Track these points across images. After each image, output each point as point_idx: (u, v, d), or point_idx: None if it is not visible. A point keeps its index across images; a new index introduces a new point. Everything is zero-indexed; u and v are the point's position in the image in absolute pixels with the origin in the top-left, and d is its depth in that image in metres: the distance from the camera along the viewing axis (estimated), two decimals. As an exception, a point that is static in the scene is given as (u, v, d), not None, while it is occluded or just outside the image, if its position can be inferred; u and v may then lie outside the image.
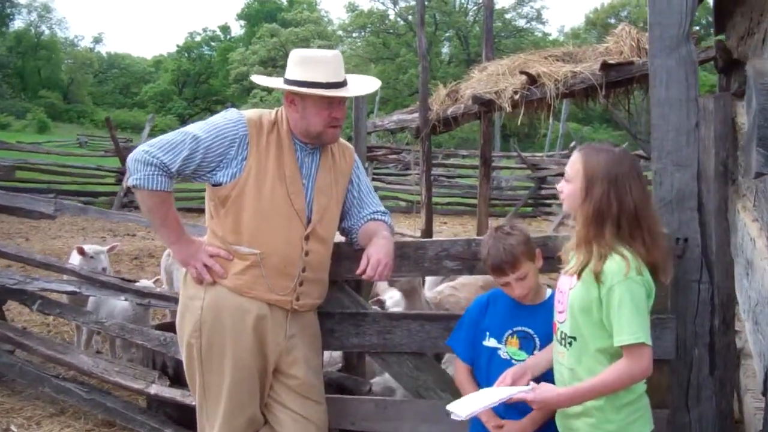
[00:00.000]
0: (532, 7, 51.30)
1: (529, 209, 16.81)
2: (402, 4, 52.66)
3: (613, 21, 51.12)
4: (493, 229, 3.13)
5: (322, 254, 3.42)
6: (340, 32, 56.63)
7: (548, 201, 16.39)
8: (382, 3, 53.11)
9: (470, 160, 19.77)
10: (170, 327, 5.27)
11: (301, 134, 3.32)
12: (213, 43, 63.45)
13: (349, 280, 3.71)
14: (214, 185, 3.28)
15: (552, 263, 3.16)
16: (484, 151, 8.31)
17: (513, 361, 3.06)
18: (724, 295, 3.29)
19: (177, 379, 4.54)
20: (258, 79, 3.49)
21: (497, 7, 51.56)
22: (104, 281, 5.05)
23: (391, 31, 52.59)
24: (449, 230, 15.02)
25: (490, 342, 3.13)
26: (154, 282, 5.84)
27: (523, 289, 3.04)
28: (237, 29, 65.59)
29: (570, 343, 2.74)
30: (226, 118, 3.30)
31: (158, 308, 5.65)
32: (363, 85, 3.42)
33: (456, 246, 3.51)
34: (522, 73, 6.18)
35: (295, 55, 3.31)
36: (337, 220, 3.49)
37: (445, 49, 56.27)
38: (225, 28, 65.26)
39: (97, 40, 62.95)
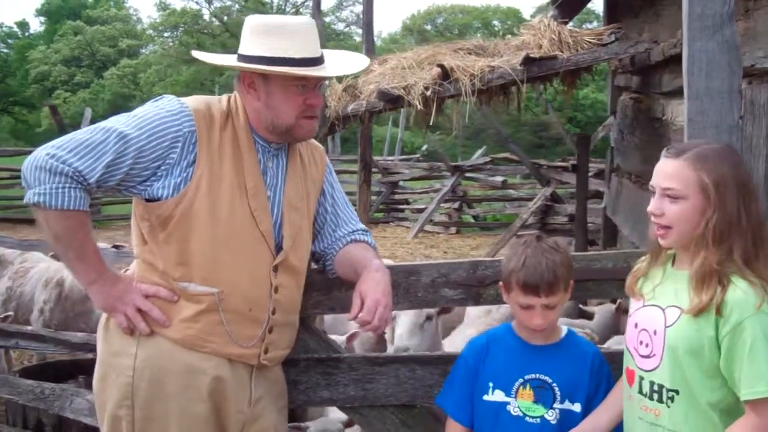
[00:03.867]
0: (351, 11, 51.11)
1: (381, 215, 16.27)
2: (217, 4, 51.01)
3: (429, 27, 52.18)
4: (533, 238, 2.46)
5: (293, 290, 2.60)
6: (150, 31, 54.11)
7: (401, 206, 15.93)
8: (196, 2, 51.23)
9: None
10: (41, 372, 4.21)
11: (265, 129, 2.49)
12: (10, 41, 58.65)
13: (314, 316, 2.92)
14: (148, 200, 2.39)
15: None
16: (364, 155, 7.65)
17: (527, 418, 2.42)
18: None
19: (59, 442, 3.59)
20: (202, 55, 2.60)
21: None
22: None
23: (206, 31, 50.77)
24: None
25: (496, 395, 2.47)
26: (3, 318, 4.66)
27: (546, 321, 2.40)
28: (36, 26, 61.05)
29: (672, 398, 2.10)
30: (163, 108, 2.40)
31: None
32: (345, 61, 2.61)
33: (458, 270, 2.80)
34: (438, 66, 5.57)
35: (255, 22, 2.44)
36: (310, 243, 2.68)
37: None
38: (23, 25, 60.45)
39: None
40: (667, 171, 2.11)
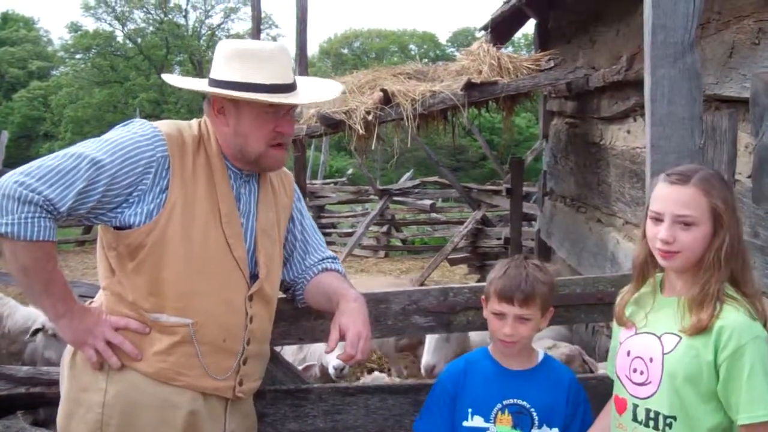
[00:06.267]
0: (267, 34, 50.95)
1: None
2: (131, 26, 50.13)
3: (346, 51, 52.44)
4: (522, 257, 2.52)
5: (266, 320, 2.54)
6: (61, 53, 52.77)
7: (328, 230, 15.82)
8: (109, 24, 50.23)
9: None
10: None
11: (233, 156, 2.43)
12: None
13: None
14: (117, 228, 2.29)
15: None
16: (299, 179, 7.57)
17: None
18: None
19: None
20: (171, 79, 2.52)
21: (232, 32, 50.75)
22: None
23: (119, 53, 49.86)
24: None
25: (475, 421, 2.46)
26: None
27: (515, 334, 2.41)
28: (-61, 46, 58.71)
29: (670, 425, 2.10)
30: (135, 132, 2.31)
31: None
32: (318, 89, 2.58)
33: (428, 297, 2.79)
34: (381, 90, 5.57)
35: (227, 47, 2.39)
36: (281, 271, 2.62)
37: (177, 73, 54.51)
38: (-77, 44, 58.21)
39: None
40: (681, 198, 2.08)
